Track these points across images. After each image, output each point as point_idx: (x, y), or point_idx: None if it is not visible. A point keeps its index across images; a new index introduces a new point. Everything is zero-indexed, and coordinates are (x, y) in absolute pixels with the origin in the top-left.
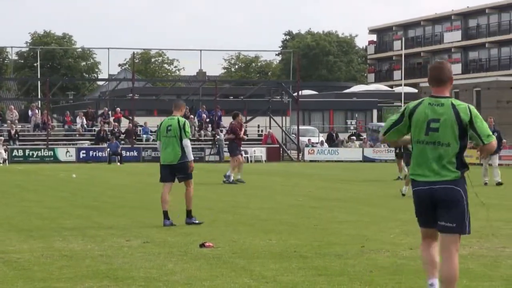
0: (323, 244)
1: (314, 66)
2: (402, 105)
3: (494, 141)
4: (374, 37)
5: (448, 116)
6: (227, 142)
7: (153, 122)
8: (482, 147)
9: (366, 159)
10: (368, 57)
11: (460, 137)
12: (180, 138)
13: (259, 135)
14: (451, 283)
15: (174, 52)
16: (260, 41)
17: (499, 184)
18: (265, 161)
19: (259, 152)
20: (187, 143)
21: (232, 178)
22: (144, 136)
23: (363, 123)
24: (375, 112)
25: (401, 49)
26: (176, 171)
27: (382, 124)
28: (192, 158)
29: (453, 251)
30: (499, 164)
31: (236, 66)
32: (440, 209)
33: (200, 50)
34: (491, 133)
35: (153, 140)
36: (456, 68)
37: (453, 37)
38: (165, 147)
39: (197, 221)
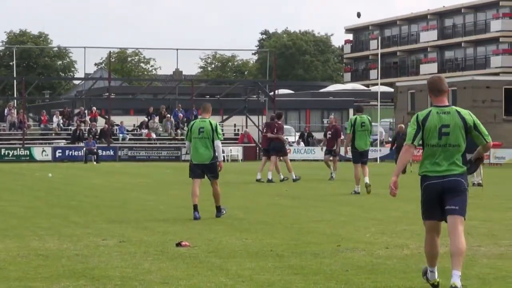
0: (299, 243)
1: (290, 66)
2: (378, 104)
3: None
4: (350, 37)
5: (456, 122)
6: (271, 142)
7: (129, 121)
8: (485, 145)
9: (342, 158)
10: (345, 57)
11: (465, 138)
12: (212, 140)
13: (236, 135)
14: (460, 255)
15: (151, 51)
16: (236, 40)
17: (479, 185)
18: (241, 160)
19: (236, 151)
20: (219, 144)
21: (294, 176)
22: (121, 135)
23: (340, 122)
24: (351, 111)
25: (377, 48)
26: (207, 171)
27: None
28: (222, 158)
29: (460, 230)
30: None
31: (213, 66)
32: (447, 196)
33: (177, 49)
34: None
35: (130, 139)
36: (432, 68)
37: (429, 37)
38: (197, 147)
39: (225, 211)
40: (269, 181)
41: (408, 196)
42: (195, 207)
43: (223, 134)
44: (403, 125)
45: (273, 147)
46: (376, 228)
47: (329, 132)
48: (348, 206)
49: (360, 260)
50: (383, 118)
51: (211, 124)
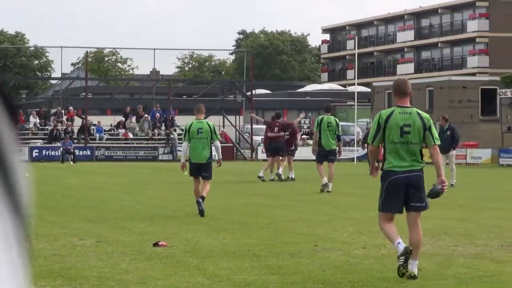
0: (276, 243)
1: (267, 65)
2: (355, 104)
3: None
4: (327, 37)
5: (417, 122)
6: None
7: (106, 121)
8: (433, 146)
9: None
10: (322, 57)
11: (422, 137)
12: (210, 140)
13: None
14: (419, 247)
15: (128, 51)
16: (214, 40)
17: (451, 185)
18: None
19: (213, 151)
20: (218, 144)
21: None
22: (98, 135)
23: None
24: None
25: (354, 48)
26: (203, 170)
27: None
28: (221, 156)
29: (419, 224)
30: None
31: (190, 65)
32: (413, 193)
33: (154, 49)
34: None
35: (107, 139)
36: (409, 68)
37: (406, 37)
38: (196, 147)
39: (202, 207)
40: (283, 179)
41: None
42: (202, 198)
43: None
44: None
45: (274, 147)
46: (353, 228)
47: (287, 133)
48: (325, 205)
49: (337, 260)
50: (360, 118)
51: (209, 125)
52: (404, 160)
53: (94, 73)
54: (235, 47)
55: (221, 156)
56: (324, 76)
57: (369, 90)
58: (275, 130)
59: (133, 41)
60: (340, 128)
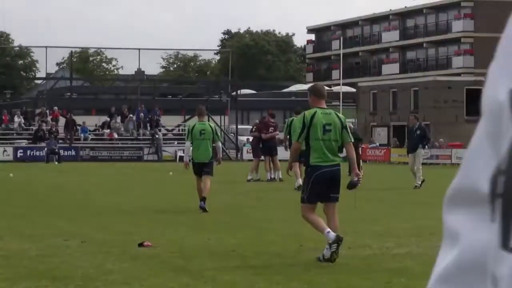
0: (261, 243)
1: (252, 65)
2: (341, 104)
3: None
4: (312, 37)
5: (336, 122)
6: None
7: (91, 121)
8: (348, 143)
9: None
10: (307, 57)
11: (340, 135)
12: (212, 141)
13: None
14: (337, 229)
15: (113, 51)
16: (198, 40)
17: (416, 187)
18: None
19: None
20: (220, 145)
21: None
22: (82, 135)
23: None
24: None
25: (340, 48)
26: (205, 167)
27: None
28: (221, 155)
29: (336, 213)
30: (442, 164)
31: (175, 65)
32: (334, 185)
33: (139, 49)
34: None
35: (92, 139)
36: (394, 68)
37: (391, 37)
38: (198, 148)
39: (205, 208)
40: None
41: (368, 197)
42: (203, 199)
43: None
44: (352, 125)
45: (267, 146)
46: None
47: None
48: None
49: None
50: (346, 118)
51: (211, 126)
52: (328, 155)
53: (79, 73)
54: (220, 47)
55: (221, 155)
56: (309, 76)
57: (354, 90)
58: (270, 130)
59: (118, 41)
60: None
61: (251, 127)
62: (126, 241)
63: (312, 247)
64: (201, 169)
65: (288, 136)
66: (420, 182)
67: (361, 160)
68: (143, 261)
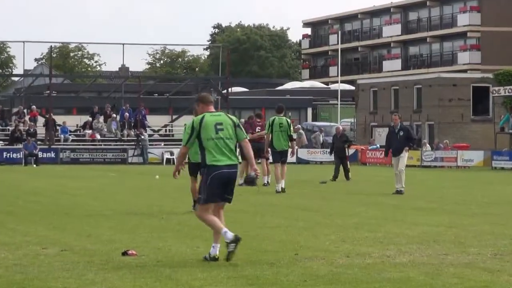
0: (254, 252)
1: (244, 62)
2: (339, 103)
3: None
4: (308, 31)
5: (227, 121)
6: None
7: (72, 121)
8: (244, 140)
9: (300, 161)
10: (302, 52)
11: (234, 133)
12: None
13: None
14: (220, 233)
15: (95, 46)
16: (187, 34)
17: (398, 192)
18: None
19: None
20: None
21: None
22: (62, 136)
23: (297, 122)
24: (309, 110)
25: (337, 43)
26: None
27: (318, 123)
28: None
29: (222, 212)
30: (443, 166)
31: (161, 61)
32: (229, 185)
33: (123, 44)
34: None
35: (72, 140)
36: (396, 64)
37: (392, 31)
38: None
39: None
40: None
41: (368, 201)
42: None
43: (172, 135)
44: (341, 127)
45: (256, 147)
46: (336, 235)
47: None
48: (306, 211)
49: (319, 270)
50: (344, 117)
51: None
52: (224, 154)
53: (58, 69)
54: (210, 42)
55: None
56: (305, 73)
57: (353, 88)
58: (257, 130)
59: (100, 36)
60: (292, 129)
61: None
62: (109, 250)
63: (309, 255)
64: (197, 169)
65: (270, 135)
66: (403, 187)
67: (348, 162)
68: (127, 270)
